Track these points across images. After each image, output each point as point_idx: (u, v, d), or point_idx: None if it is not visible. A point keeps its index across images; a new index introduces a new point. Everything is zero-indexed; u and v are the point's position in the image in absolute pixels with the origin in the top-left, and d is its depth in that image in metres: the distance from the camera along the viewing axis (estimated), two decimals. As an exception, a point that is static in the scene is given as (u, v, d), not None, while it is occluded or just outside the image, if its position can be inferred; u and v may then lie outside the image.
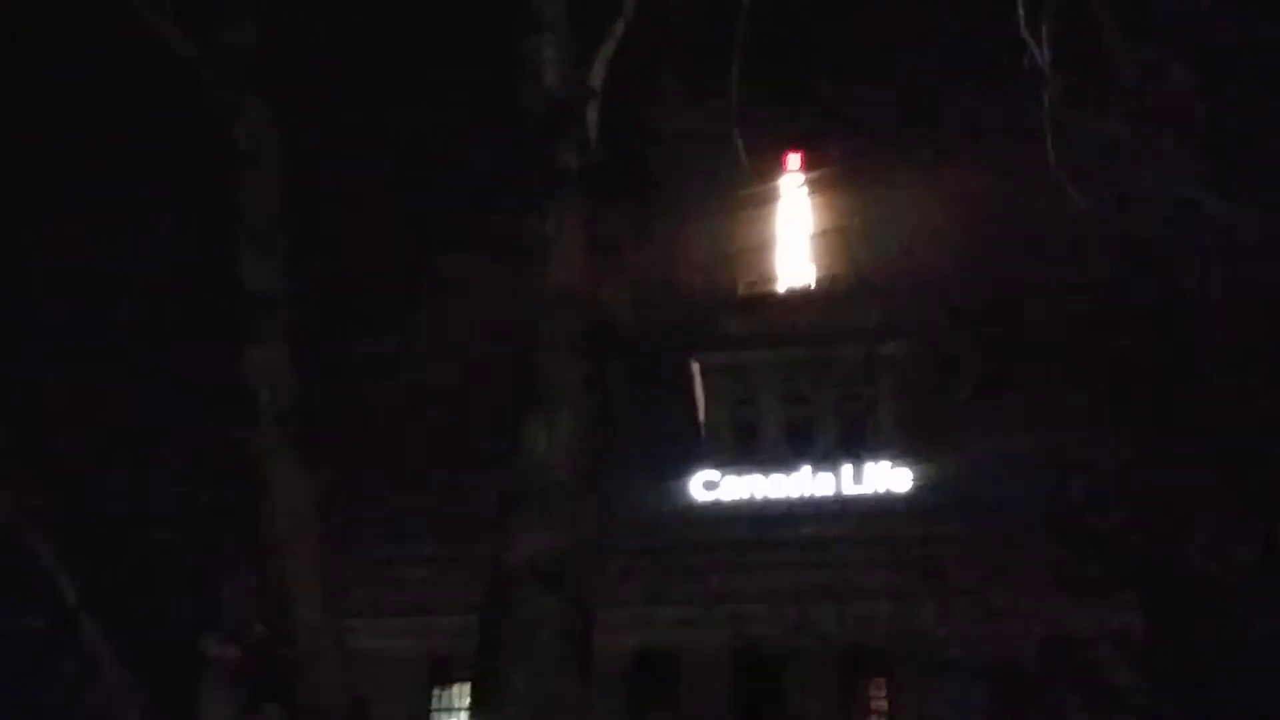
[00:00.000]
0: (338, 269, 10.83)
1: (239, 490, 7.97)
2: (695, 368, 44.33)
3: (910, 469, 39.76)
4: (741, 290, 44.19)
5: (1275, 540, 18.39)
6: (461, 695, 36.34)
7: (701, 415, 44.79)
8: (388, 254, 11.22)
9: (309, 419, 7.87)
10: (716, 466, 41.45)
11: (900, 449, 40.14)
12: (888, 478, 40.20)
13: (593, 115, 8.06)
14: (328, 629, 7.78)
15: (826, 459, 41.04)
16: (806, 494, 40.51)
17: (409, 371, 13.19)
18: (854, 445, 41.37)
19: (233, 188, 7.93)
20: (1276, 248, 11.26)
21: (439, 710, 37.04)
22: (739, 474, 41.23)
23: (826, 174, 31.93)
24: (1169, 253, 11.77)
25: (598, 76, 8.07)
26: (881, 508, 38.76)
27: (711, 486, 41.09)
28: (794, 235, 45.35)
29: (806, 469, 41.13)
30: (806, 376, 41.85)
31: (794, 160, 39.93)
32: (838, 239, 39.42)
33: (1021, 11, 7.53)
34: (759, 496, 40.72)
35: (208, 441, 10.63)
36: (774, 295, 44.89)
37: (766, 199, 39.44)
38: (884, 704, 36.29)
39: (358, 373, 11.01)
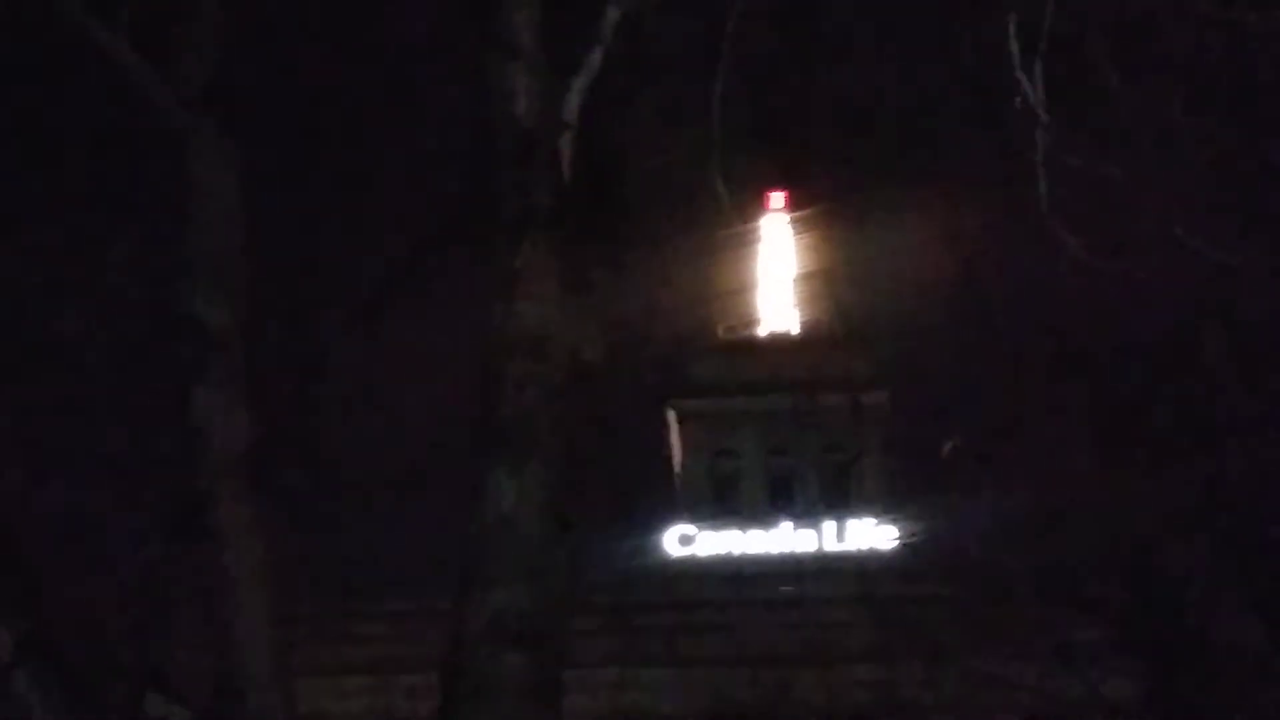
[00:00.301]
0: (295, 305, 10.83)
1: (188, 538, 7.93)
2: (671, 415, 44.38)
3: (896, 526, 39.84)
4: (721, 334, 44.34)
5: (1275, 605, 18.47)
6: (418, 761, 35.99)
7: (677, 466, 44.80)
8: (348, 290, 11.23)
9: (263, 463, 7.85)
10: (692, 520, 41.47)
11: (886, 505, 40.23)
12: (872, 535, 40.29)
13: (566, 148, 8.11)
14: (279, 687, 7.74)
15: (808, 514, 41.11)
16: (787, 551, 40.55)
17: (370, 415, 13.18)
18: (837, 500, 41.46)
19: (186, 218, 7.94)
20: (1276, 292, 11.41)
21: (395, 776, 36.71)
22: (716, 529, 41.26)
23: (811, 214, 32.15)
24: (1170, 301, 11.91)
25: (572, 107, 8.14)
26: (866, 567, 38.79)
27: (687, 541, 41.10)
28: (777, 277, 45.57)
29: (787, 525, 41.18)
30: (788, 427, 41.96)
31: (777, 199, 40.21)
32: (823, 282, 39.62)
33: (1015, 48, 7.62)
34: (737, 553, 40.72)
35: (157, 485, 10.58)
36: (755, 340, 45.06)
37: (748, 239, 39.64)
38: (867, 775, 36.17)
39: (316, 415, 10.99)
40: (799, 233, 40.32)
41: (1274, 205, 10.01)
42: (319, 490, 13.24)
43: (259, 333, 8.16)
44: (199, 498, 7.72)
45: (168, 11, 8.04)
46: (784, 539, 40.68)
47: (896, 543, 39.22)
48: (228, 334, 7.82)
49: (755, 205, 38.53)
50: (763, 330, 45.68)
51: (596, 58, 8.13)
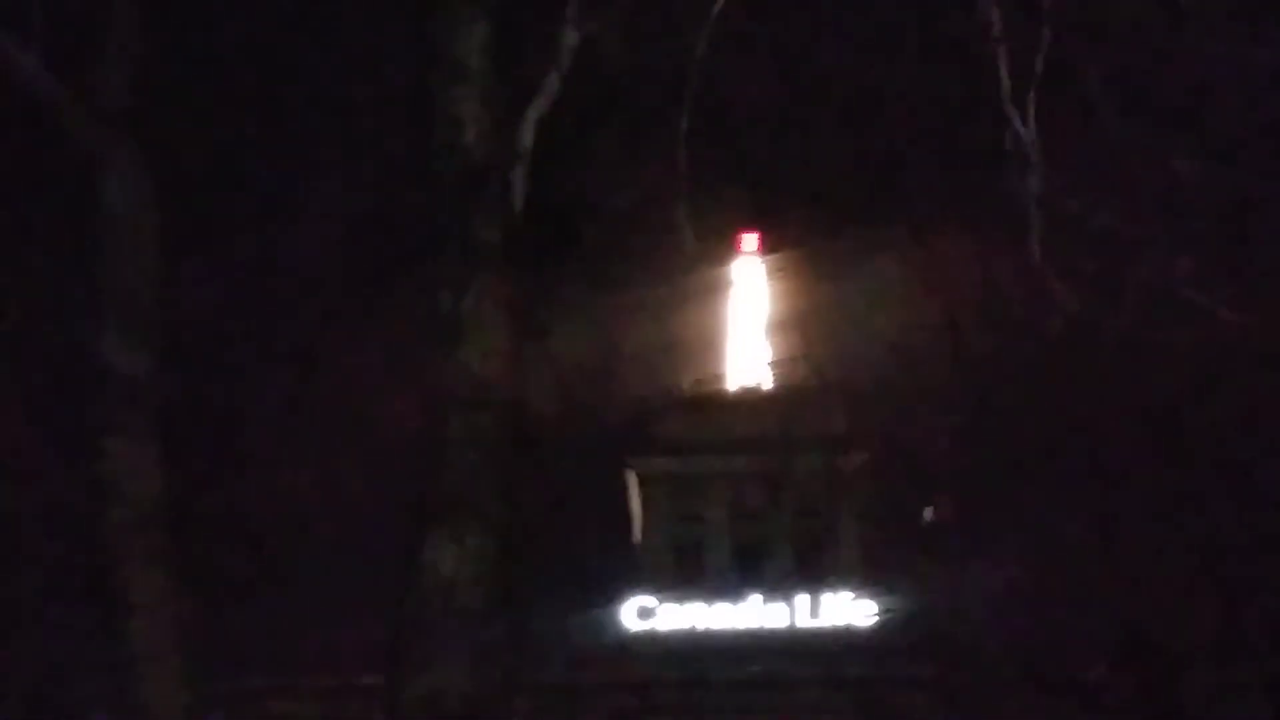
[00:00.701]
0: (216, 351, 10.77)
1: (93, 602, 7.85)
2: (631, 477, 44.30)
3: (874, 601, 39.78)
4: (687, 389, 44.35)
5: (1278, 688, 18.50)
6: None
7: (637, 532, 44.69)
8: (274, 336, 11.18)
9: (177, 522, 7.79)
10: (653, 592, 41.31)
11: (863, 578, 40.19)
12: (848, 611, 40.20)
13: (518, 181, 8.12)
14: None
15: (779, 587, 41.03)
16: (755, 627, 40.44)
17: (295, 472, 13.07)
18: (811, 572, 41.40)
19: (97, 252, 7.89)
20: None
21: None
22: (679, 602, 41.10)
23: (786, 258, 32.27)
24: (1167, 360, 11.98)
25: (525, 137, 8.15)
26: (840, 645, 38.72)
27: (646, 615, 40.91)
28: (748, 327, 45.66)
29: (756, 598, 41.07)
30: (758, 490, 41.89)
31: (749, 241, 40.31)
32: (798, 333, 39.73)
33: (1006, 83, 7.66)
34: (701, 628, 40.59)
35: (60, 544, 10.49)
36: (723, 396, 45.07)
37: (717, 285, 39.73)
38: None
39: (236, 472, 10.92)
40: (773, 278, 40.46)
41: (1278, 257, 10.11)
42: (238, 553, 13.11)
43: (175, 381, 8.11)
44: (106, 558, 7.65)
45: (85, 26, 8.02)
46: (752, 613, 40.55)
47: (874, 619, 39.17)
48: (141, 383, 7.77)
49: (725, 248, 38.65)
50: (732, 385, 45.70)
51: (553, 84, 8.14)
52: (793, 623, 39.91)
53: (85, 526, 7.94)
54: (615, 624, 39.95)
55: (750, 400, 44.26)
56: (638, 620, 40.31)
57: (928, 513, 22.57)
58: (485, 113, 7.85)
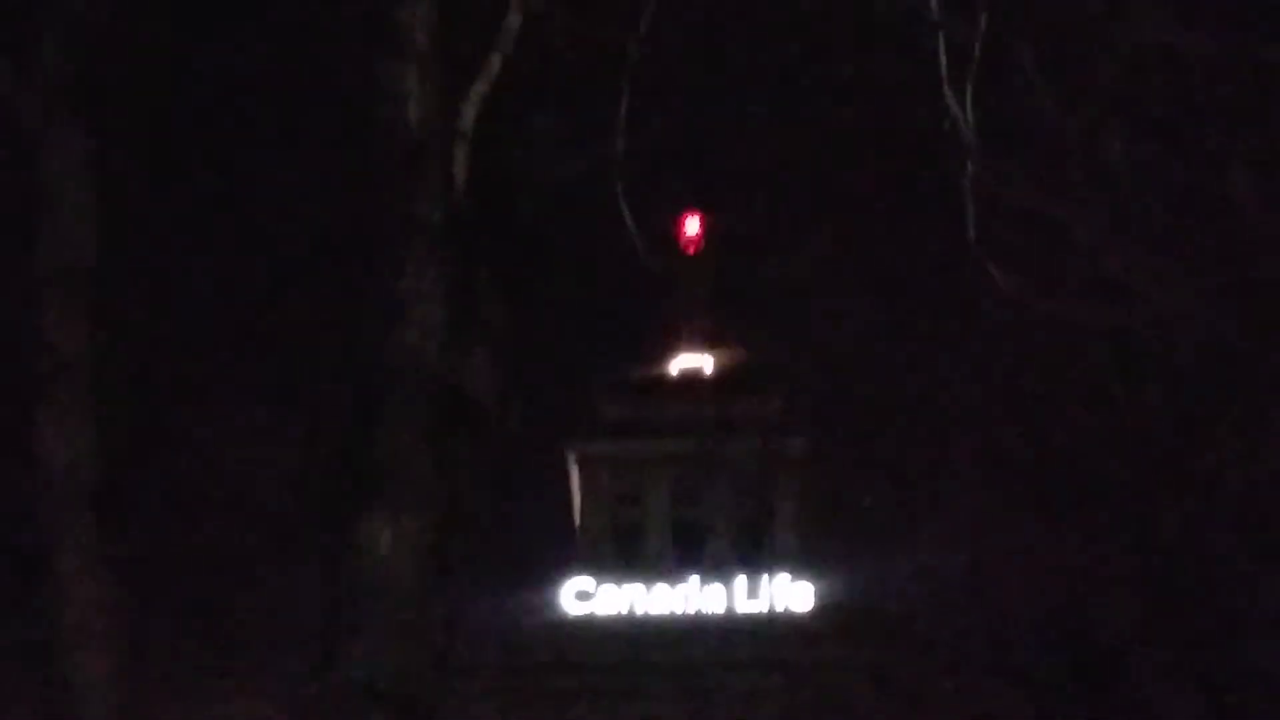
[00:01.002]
0: (154, 325, 10.71)
1: (23, 581, 7.81)
2: (571, 459, 44.28)
3: (813, 585, 39.99)
4: (627, 372, 44.36)
5: (1217, 679, 18.76)
6: (279, 837, 35.53)
7: (577, 515, 44.69)
8: (213, 311, 11.13)
9: (112, 501, 7.76)
10: (592, 575, 41.32)
11: (802, 561, 40.37)
12: (787, 594, 40.38)
13: (460, 160, 8.11)
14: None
15: (718, 570, 41.14)
16: (694, 610, 40.53)
17: (234, 452, 13.00)
18: (750, 555, 41.54)
19: (37, 227, 7.84)
20: (1219, 341, 11.64)
21: None
22: (617, 584, 41.14)
23: (730, 243, 32.33)
24: (1104, 342, 12.14)
25: (468, 117, 8.14)
26: (779, 629, 38.89)
27: (585, 598, 40.95)
28: (690, 311, 45.69)
29: (695, 581, 41.16)
30: (698, 474, 41.98)
31: (692, 225, 40.36)
32: (739, 317, 39.83)
33: (944, 68, 7.74)
34: (639, 611, 40.65)
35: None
36: (665, 379, 45.11)
37: (660, 268, 39.68)
38: None
39: (172, 451, 10.88)
40: (716, 263, 40.52)
41: (1217, 242, 10.25)
42: (174, 533, 13.05)
43: (112, 358, 8.07)
44: (37, 536, 7.60)
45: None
46: (691, 596, 40.66)
47: (812, 603, 39.37)
48: (77, 356, 7.73)
49: (669, 232, 38.68)
50: (674, 369, 45.76)
51: (496, 63, 8.14)
52: (731, 606, 40.09)
53: (17, 505, 7.90)
54: (553, 606, 39.97)
55: (691, 384, 44.35)
56: (576, 603, 40.37)
57: (866, 499, 22.73)
58: (428, 91, 7.85)
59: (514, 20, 8.02)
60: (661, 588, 40.66)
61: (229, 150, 10.97)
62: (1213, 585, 18.17)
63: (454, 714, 7.90)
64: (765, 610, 39.92)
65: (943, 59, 7.81)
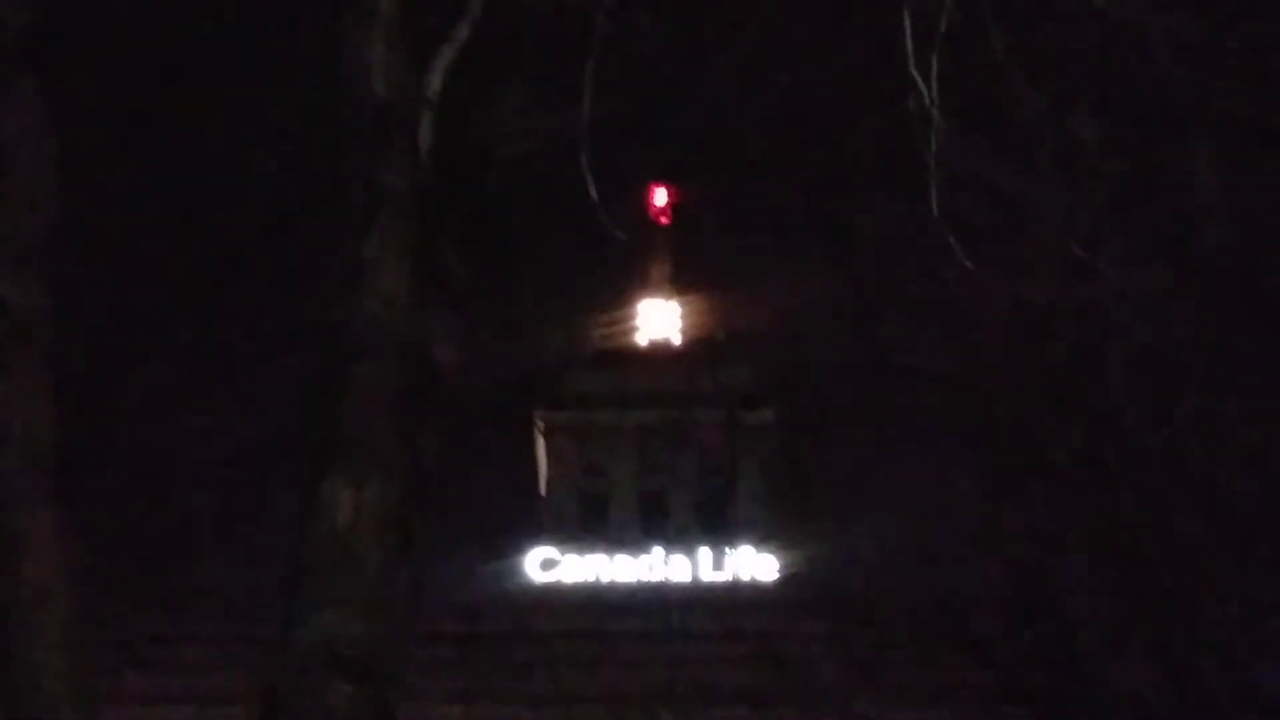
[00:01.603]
0: (112, 288, 10.62)
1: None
2: (537, 428, 44.22)
3: (776, 556, 40.10)
4: (595, 342, 44.31)
5: (1172, 650, 18.91)
6: (242, 802, 35.42)
7: (542, 484, 44.68)
8: (173, 274, 11.05)
9: (69, 462, 7.70)
10: (556, 543, 41.32)
11: (766, 532, 40.46)
12: (751, 564, 40.47)
13: (425, 128, 8.07)
14: (80, 717, 7.57)
15: (682, 540, 41.19)
16: (658, 580, 40.58)
17: (194, 415, 12.94)
18: (714, 526, 41.60)
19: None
20: (1178, 318, 11.71)
21: (214, 819, 36.13)
22: (581, 553, 41.15)
23: (697, 214, 32.27)
24: (1066, 319, 12.18)
25: (433, 85, 8.09)
26: (742, 599, 38.98)
27: (549, 566, 40.92)
28: (658, 282, 45.65)
29: (659, 551, 41.21)
30: (663, 445, 41.98)
31: (660, 196, 40.24)
32: (708, 289, 39.81)
33: (909, 44, 7.72)
34: (604, 580, 40.68)
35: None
36: (632, 350, 45.07)
37: (627, 239, 39.59)
38: (735, 825, 36.39)
39: (132, 412, 10.80)
40: (683, 234, 40.47)
41: (1179, 221, 10.29)
42: (133, 497, 12.96)
43: (71, 318, 8.00)
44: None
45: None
46: (655, 567, 40.70)
47: (776, 574, 39.48)
48: (35, 318, 7.65)
49: (636, 203, 38.58)
50: (641, 340, 45.73)
51: (463, 31, 8.10)
52: (695, 576, 40.14)
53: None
54: (518, 575, 39.95)
55: (657, 354, 44.32)
56: (540, 571, 40.35)
57: (831, 470, 22.80)
58: (394, 58, 7.79)
59: (482, -14, 7.96)
60: (625, 557, 40.69)
61: (192, 116, 10.88)
62: (1170, 557, 18.31)
63: (417, 682, 7.87)
64: (729, 580, 39.98)
65: (908, 34, 7.80)
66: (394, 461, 7.53)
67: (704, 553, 40.49)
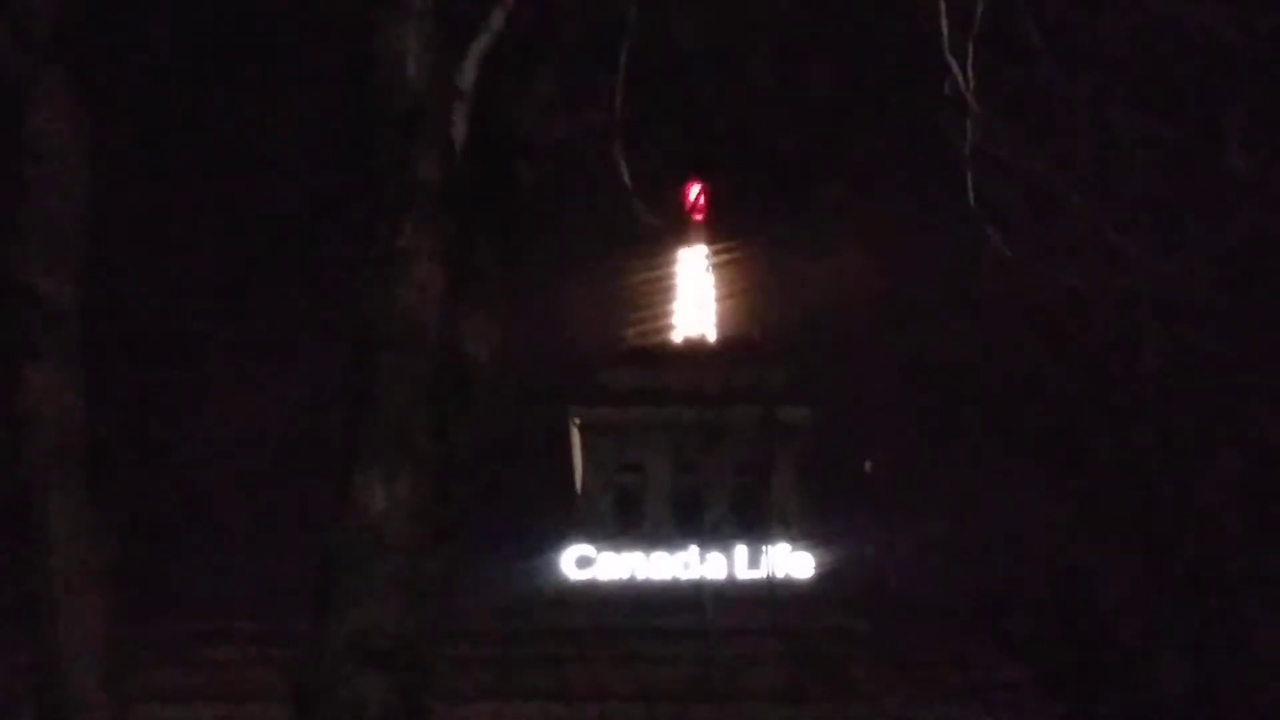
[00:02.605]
0: (146, 281, 10.57)
1: (11, 537, 7.68)
2: (573, 425, 44.19)
3: (812, 553, 39.94)
4: (630, 339, 44.25)
5: (1205, 646, 18.70)
6: (280, 796, 35.46)
7: (578, 481, 44.63)
8: (207, 267, 10.99)
9: (102, 456, 7.63)
10: (592, 541, 41.26)
11: (801, 530, 40.30)
12: (786, 562, 40.32)
13: (459, 120, 7.96)
14: (111, 713, 7.50)
15: (718, 537, 41.07)
16: (693, 577, 40.47)
17: (228, 409, 12.87)
18: (750, 523, 41.47)
19: (24, 176, 7.69)
20: (1214, 310, 11.54)
21: (252, 813, 36.20)
22: (617, 551, 41.08)
23: (732, 211, 32.16)
24: (1101, 312, 12.04)
25: (467, 76, 7.98)
26: (778, 596, 38.83)
27: (585, 564, 40.89)
28: (693, 279, 45.53)
29: (694, 548, 41.10)
30: (699, 441, 41.88)
31: (695, 193, 40.11)
32: (742, 286, 39.69)
33: (945, 31, 7.60)
34: (639, 577, 40.59)
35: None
36: (667, 347, 44.98)
37: (663, 235, 39.55)
38: (770, 822, 36.28)
39: (165, 406, 10.74)
40: (719, 231, 40.35)
41: (1215, 210, 10.13)
42: (165, 491, 12.91)
43: (103, 310, 7.94)
44: (24, 490, 7.46)
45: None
46: (691, 564, 40.62)
47: (812, 571, 39.33)
48: (65, 309, 7.58)
49: (671, 199, 38.47)
50: (676, 336, 45.62)
51: (497, 21, 7.99)
52: (731, 573, 40.06)
53: (3, 458, 7.76)
54: (554, 572, 39.94)
55: (694, 352, 44.24)
56: (576, 569, 40.32)
57: (866, 466, 22.66)
58: (427, 48, 7.69)
59: (516, -24, 7.86)
60: (661, 555, 40.60)
61: (227, 109, 10.82)
62: (1207, 553, 18.10)
63: (452, 679, 7.78)
64: (764, 577, 39.85)
65: (944, 23, 7.67)
66: (426, 454, 7.43)
67: (740, 550, 40.43)
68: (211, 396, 12.37)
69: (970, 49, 7.65)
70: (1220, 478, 17.01)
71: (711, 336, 45.53)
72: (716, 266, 41.62)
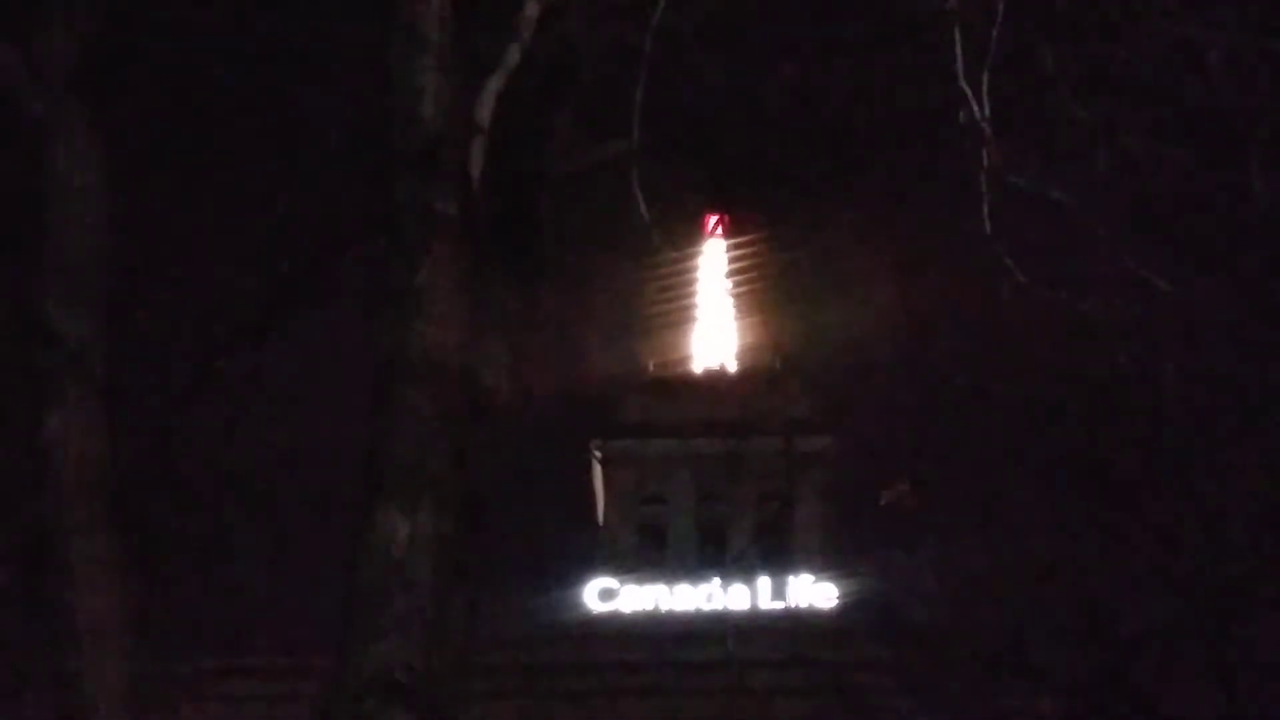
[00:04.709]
0: (166, 320, 10.63)
1: (34, 578, 7.72)
2: (594, 457, 44.22)
3: (835, 584, 39.84)
4: (651, 370, 44.29)
5: (1233, 677, 18.60)
6: (303, 833, 35.48)
7: (600, 513, 44.63)
8: (226, 303, 11.05)
9: (123, 493, 7.67)
10: (615, 573, 41.23)
11: (825, 561, 40.23)
12: (810, 593, 40.23)
13: (476, 154, 8.02)
14: (134, 751, 7.53)
15: (742, 569, 41.02)
16: (717, 608, 40.42)
17: (248, 447, 12.94)
18: (773, 554, 41.41)
19: (44, 216, 7.76)
20: (1232, 333, 11.52)
21: None
22: (640, 583, 41.04)
23: (751, 240, 32.21)
24: (1119, 337, 12.04)
25: (484, 111, 8.04)
26: (802, 627, 38.74)
27: (609, 596, 40.86)
28: (713, 309, 45.57)
29: (717, 580, 41.05)
30: (721, 472, 41.86)
31: (714, 223, 40.19)
32: (763, 315, 39.70)
33: (960, 59, 7.64)
34: (663, 609, 40.54)
35: (6, 508, 10.33)
36: (688, 378, 45.02)
37: (682, 266, 39.66)
38: None
39: (186, 444, 10.78)
40: (738, 261, 40.36)
41: (1232, 237, 10.13)
42: (187, 528, 12.96)
43: (124, 348, 7.98)
44: (47, 528, 7.51)
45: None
46: (714, 595, 40.56)
47: (836, 602, 39.23)
48: (87, 348, 7.64)
49: (690, 229, 38.54)
50: (697, 367, 45.65)
51: (513, 56, 8.05)
52: (755, 604, 39.99)
53: (26, 494, 7.81)
54: (577, 605, 39.91)
55: (715, 382, 44.26)
56: (599, 601, 40.29)
57: (887, 495, 22.61)
58: (444, 84, 7.74)
59: (531, 9, 7.92)
60: (684, 587, 40.54)
61: (243, 144, 10.90)
62: (1233, 584, 18.01)
63: (476, 713, 7.78)
64: (788, 608, 39.76)
65: (959, 49, 7.71)
66: (447, 488, 7.45)
67: (763, 581, 40.36)
68: (232, 432, 12.42)
69: (985, 77, 7.68)
70: (1247, 506, 16.94)
71: (732, 366, 45.54)
72: (736, 296, 41.67)
